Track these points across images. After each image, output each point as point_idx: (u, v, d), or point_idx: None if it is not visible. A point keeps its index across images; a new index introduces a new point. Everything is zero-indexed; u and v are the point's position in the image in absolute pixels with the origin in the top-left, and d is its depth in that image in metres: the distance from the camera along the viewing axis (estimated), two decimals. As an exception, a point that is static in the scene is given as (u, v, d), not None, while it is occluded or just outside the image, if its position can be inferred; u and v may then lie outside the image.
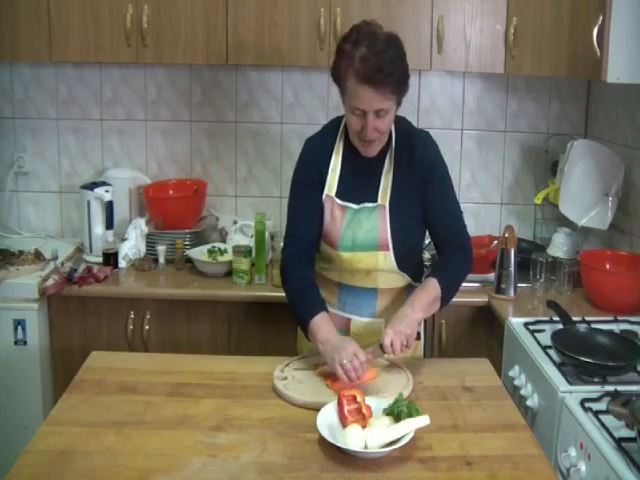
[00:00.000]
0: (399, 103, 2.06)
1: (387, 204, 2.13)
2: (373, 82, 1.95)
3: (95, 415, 1.80)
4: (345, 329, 2.22)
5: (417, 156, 2.13)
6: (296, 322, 2.11)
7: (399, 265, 2.16)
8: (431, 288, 2.07)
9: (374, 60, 1.94)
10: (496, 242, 3.07)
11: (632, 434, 1.67)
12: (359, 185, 2.16)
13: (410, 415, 1.70)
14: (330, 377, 1.96)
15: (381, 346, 1.97)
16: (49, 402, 2.78)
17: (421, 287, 2.10)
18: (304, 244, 2.17)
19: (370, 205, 2.14)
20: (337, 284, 2.23)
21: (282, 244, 2.25)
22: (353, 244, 2.14)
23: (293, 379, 1.98)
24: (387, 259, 2.15)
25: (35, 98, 3.37)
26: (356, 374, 1.88)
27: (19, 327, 2.80)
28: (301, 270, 2.14)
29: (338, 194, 2.16)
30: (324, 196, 2.16)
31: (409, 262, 2.21)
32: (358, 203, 2.15)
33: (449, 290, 2.11)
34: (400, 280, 2.22)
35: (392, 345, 1.95)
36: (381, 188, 2.14)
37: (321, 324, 2.00)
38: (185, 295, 2.87)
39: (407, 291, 2.23)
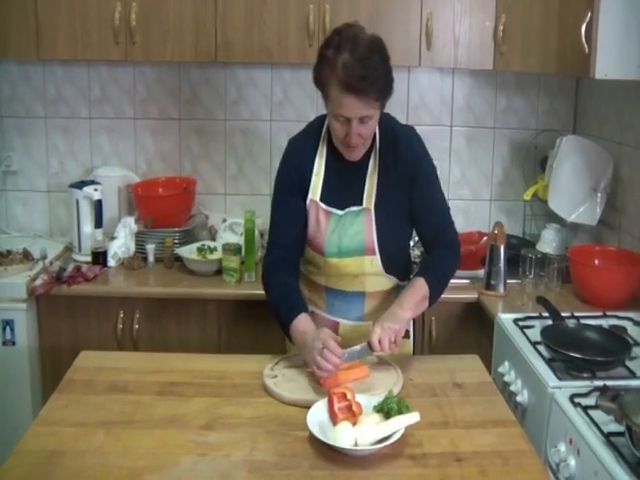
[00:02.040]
0: (383, 107, 2.03)
1: (372, 207, 2.10)
2: (356, 90, 1.90)
3: (85, 415, 1.79)
4: (333, 331, 2.17)
5: (402, 153, 2.10)
6: (278, 323, 2.09)
7: (386, 268, 2.16)
8: (419, 287, 2.06)
9: (357, 68, 1.89)
10: (485, 238, 3.08)
11: (621, 429, 1.67)
12: (343, 189, 2.13)
13: (400, 412, 1.70)
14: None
15: (369, 344, 1.93)
16: (38, 402, 2.78)
17: (409, 286, 2.09)
18: (286, 251, 2.14)
19: (355, 209, 2.12)
20: (324, 288, 2.23)
21: (266, 248, 2.20)
22: (339, 250, 2.14)
23: (283, 377, 1.98)
24: (374, 263, 2.14)
25: (23, 96, 3.37)
26: (330, 362, 1.85)
27: (7, 327, 2.79)
28: (282, 276, 2.11)
29: (322, 198, 2.13)
30: (308, 200, 2.14)
31: (396, 264, 2.20)
32: (342, 209, 2.13)
33: (437, 289, 2.10)
34: (387, 283, 2.22)
35: (380, 343, 1.92)
36: (366, 191, 2.11)
37: (299, 327, 1.98)
38: (175, 294, 2.87)
39: (395, 293, 2.23)
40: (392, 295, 2.23)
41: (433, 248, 2.18)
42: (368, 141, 2.07)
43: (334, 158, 2.13)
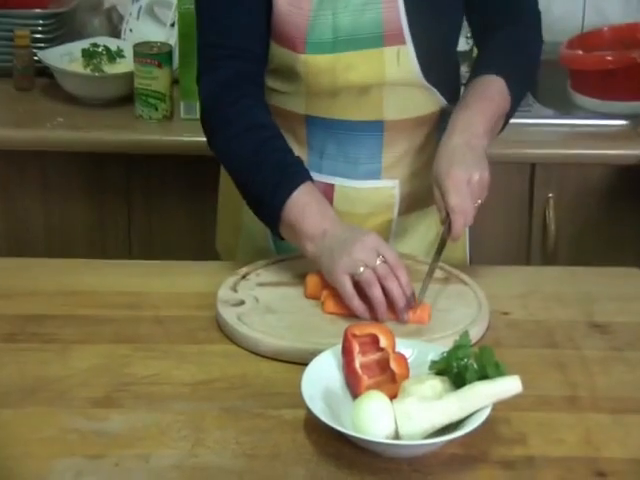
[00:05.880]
0: None
1: None
2: None
3: None
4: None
5: None
6: (253, 209, 2.15)
7: (425, 70, 2.21)
8: (498, 94, 2.18)
9: None
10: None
11: None
12: None
13: (484, 375, 1.68)
14: (329, 291, 2.02)
15: (448, 228, 2.04)
16: None
17: (482, 90, 2.19)
18: (245, 61, 2.21)
19: None
20: (303, 119, 2.29)
21: (197, 67, 2.25)
22: (335, 37, 2.18)
23: (256, 304, 2.01)
24: (402, 60, 2.20)
25: None
26: (389, 294, 1.93)
27: None
28: (250, 112, 2.18)
29: None
30: None
31: (439, 67, 2.28)
32: None
33: (519, 99, 2.26)
34: (426, 102, 2.30)
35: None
36: None
37: (307, 204, 2.06)
38: (38, 141, 2.92)
39: (439, 124, 2.32)
40: (434, 128, 2.33)
41: (501, 29, 2.29)
42: None
43: None
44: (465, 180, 2.02)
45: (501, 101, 2.17)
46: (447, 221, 2.03)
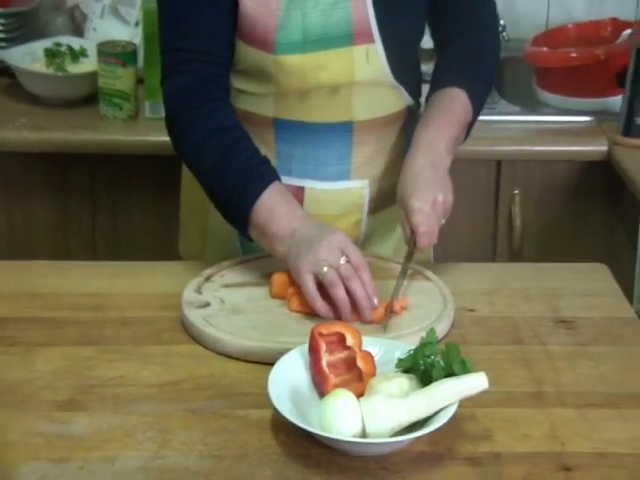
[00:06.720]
0: None
1: None
2: None
3: None
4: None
5: None
6: (221, 211, 2.15)
7: (393, 69, 2.21)
8: (460, 108, 2.20)
9: None
10: (629, 32, 3.03)
11: None
12: None
13: (450, 373, 1.68)
14: (294, 290, 2.02)
15: (412, 239, 2.05)
16: None
17: (444, 105, 2.21)
18: (208, 65, 2.19)
19: None
20: (272, 123, 2.27)
21: (162, 70, 2.21)
22: (305, 37, 2.17)
23: (222, 305, 2.00)
24: (371, 59, 2.20)
25: None
26: (352, 294, 1.94)
27: None
28: (215, 114, 2.17)
29: None
30: None
31: (407, 65, 2.29)
32: None
33: (480, 107, 2.27)
34: (394, 101, 2.30)
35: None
36: None
37: (276, 204, 2.05)
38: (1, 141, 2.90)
39: (406, 122, 2.34)
40: (401, 126, 2.34)
41: (459, 34, 2.32)
42: None
43: None
44: (430, 201, 2.03)
45: (462, 114, 2.19)
46: (412, 239, 2.04)
